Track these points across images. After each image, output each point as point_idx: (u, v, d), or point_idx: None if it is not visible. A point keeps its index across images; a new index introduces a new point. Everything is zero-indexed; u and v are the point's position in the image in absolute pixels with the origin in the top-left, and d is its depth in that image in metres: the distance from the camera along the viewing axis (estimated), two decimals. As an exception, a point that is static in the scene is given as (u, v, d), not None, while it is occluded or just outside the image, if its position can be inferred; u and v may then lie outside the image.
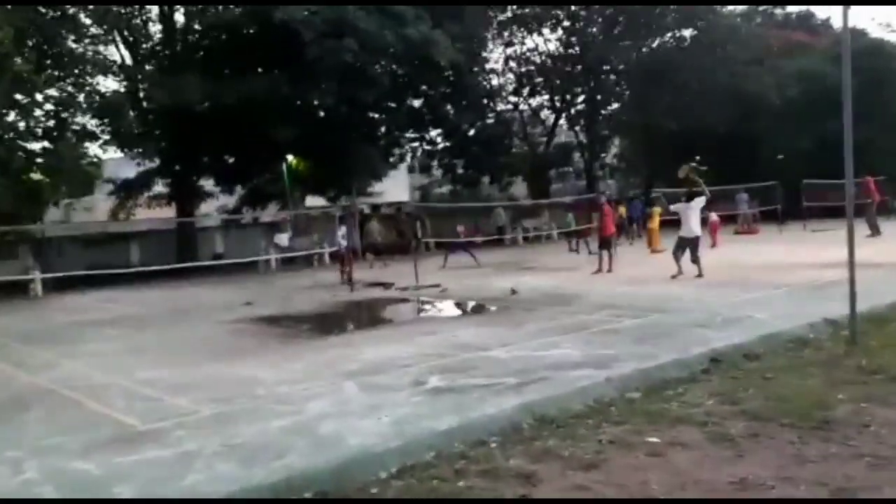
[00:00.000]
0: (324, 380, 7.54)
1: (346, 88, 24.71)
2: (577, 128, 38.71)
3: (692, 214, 14.75)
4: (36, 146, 21.36)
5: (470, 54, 28.84)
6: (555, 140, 39.81)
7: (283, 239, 26.07)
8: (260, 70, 23.59)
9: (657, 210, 21.79)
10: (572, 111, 37.93)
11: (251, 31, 24.45)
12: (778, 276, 13.95)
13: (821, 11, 46.52)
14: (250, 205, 32.39)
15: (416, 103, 31.28)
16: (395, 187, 38.28)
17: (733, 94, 34.19)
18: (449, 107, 30.74)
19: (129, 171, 28.09)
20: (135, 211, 28.93)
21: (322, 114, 26.42)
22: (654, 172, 40.98)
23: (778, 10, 44.66)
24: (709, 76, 33.97)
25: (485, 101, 33.32)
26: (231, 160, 29.68)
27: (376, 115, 29.63)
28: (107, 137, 23.41)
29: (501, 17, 34.68)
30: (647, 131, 38.01)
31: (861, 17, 72.41)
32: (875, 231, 22.34)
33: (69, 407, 7.21)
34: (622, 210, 26.85)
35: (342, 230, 18.89)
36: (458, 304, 13.55)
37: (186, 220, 26.71)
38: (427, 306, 13.78)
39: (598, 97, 37.70)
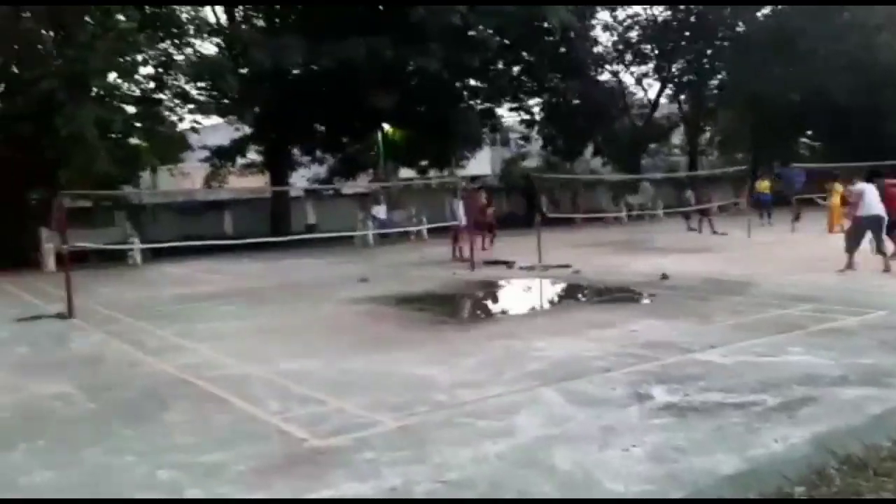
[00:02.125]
0: (512, 384, 6.19)
1: (451, 52, 23.25)
2: (682, 98, 36.26)
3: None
4: (134, 109, 20.57)
5: (579, 17, 26.89)
6: (656, 112, 37.43)
7: (380, 211, 24.95)
8: (361, 33, 22.23)
9: (838, 186, 19.08)
10: (677, 81, 35.48)
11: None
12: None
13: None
14: (341, 175, 31.41)
15: (516, 70, 29.58)
16: (477, 161, 36.63)
17: (861, 63, 31.30)
18: (554, 74, 28.91)
19: (223, 137, 27.35)
20: (227, 179, 28.23)
21: (423, 80, 24.98)
22: (759, 148, 38.37)
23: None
24: (835, 43, 31.13)
25: (591, 68, 31.30)
26: (323, 128, 28.67)
27: (478, 83, 28.08)
28: (205, 101, 22.51)
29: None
30: (756, 104, 35.28)
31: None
32: None
33: (215, 406, 6.06)
34: (765, 184, 24.29)
35: (458, 204, 17.51)
36: (604, 290, 11.98)
37: (281, 188, 25.76)
38: (570, 290, 12.27)
39: (707, 65, 35.16)
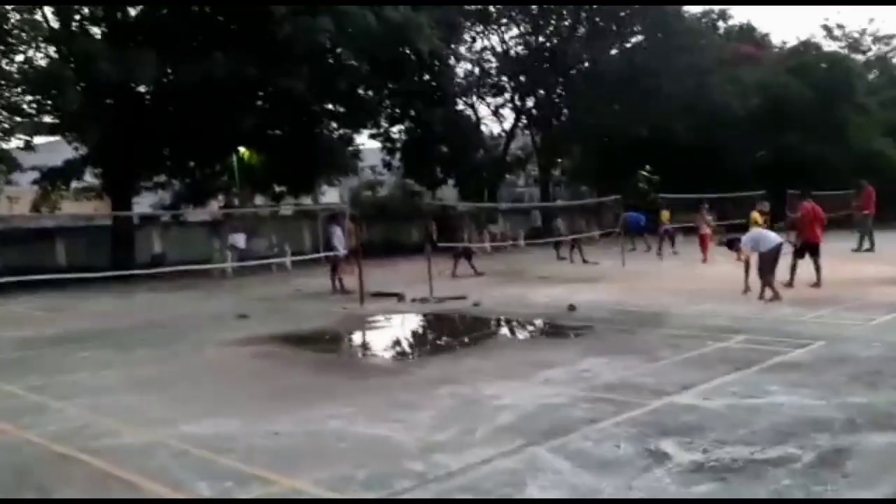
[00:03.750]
0: (492, 444, 5.22)
1: (317, 75, 22.04)
2: (534, 130, 36.94)
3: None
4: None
5: (447, 43, 26.59)
6: (511, 144, 37.87)
7: (239, 240, 23.04)
8: (223, 48, 20.55)
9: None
10: (531, 113, 36.12)
11: (214, 4, 21.42)
12: (863, 292, 12.32)
13: (763, 25, 46.46)
14: (189, 201, 28.98)
15: (379, 96, 28.77)
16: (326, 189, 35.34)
17: (698, 102, 33.28)
18: (417, 101, 28.39)
19: (56, 158, 24.32)
20: (60, 204, 25.15)
21: (285, 101, 23.52)
22: (606, 180, 39.81)
23: (720, 24, 43.95)
24: (676, 82, 32.91)
25: (453, 98, 31.08)
26: (171, 150, 26.32)
27: (340, 108, 26.94)
28: (43, 117, 19.81)
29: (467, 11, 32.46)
30: (604, 138, 36.64)
31: (811, 25, 72.61)
32: (870, 245, 21.13)
33: (119, 492, 4.62)
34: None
35: (337, 231, 16.26)
36: (521, 324, 11.24)
37: (124, 214, 23.21)
38: (482, 325, 11.40)
39: (558, 99, 36.10)
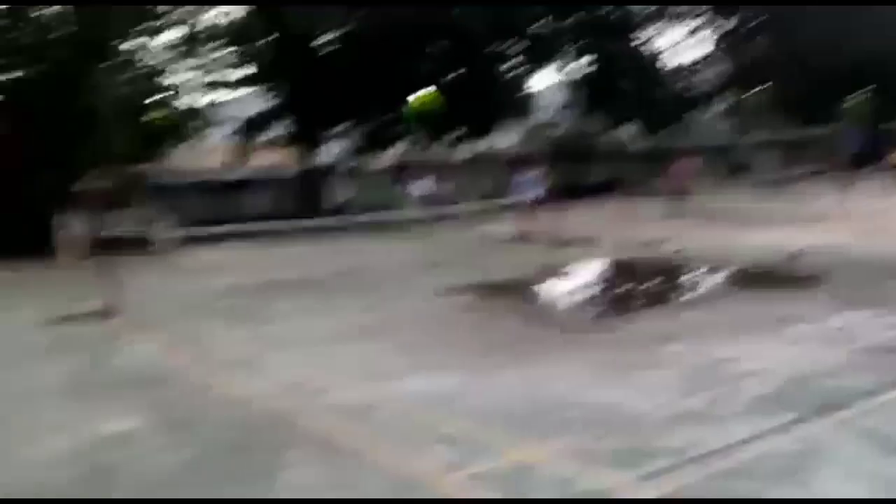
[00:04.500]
0: (753, 417, 4.46)
1: (498, 11, 21.26)
2: (729, 58, 34.06)
3: None
4: (157, 79, 18.74)
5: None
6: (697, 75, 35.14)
7: (423, 187, 23.04)
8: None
9: None
10: (728, 39, 33.27)
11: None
12: None
13: None
14: (370, 148, 29.48)
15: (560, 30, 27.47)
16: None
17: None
18: (601, 34, 26.86)
19: (248, 110, 25.42)
20: (251, 156, 26.34)
21: (464, 42, 22.97)
22: (810, 112, 36.10)
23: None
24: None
25: (642, 26, 29.16)
26: (353, 99, 26.68)
27: (519, 46, 26.01)
28: (234, 70, 20.59)
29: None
30: (811, 62, 32.95)
31: None
32: None
33: (348, 461, 4.35)
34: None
35: (524, 176, 15.63)
36: (739, 272, 10.05)
37: (312, 164, 23.90)
38: (695, 273, 10.38)
39: (755, 21, 32.87)
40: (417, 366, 6.17)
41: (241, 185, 25.49)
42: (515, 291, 9.89)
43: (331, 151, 30.25)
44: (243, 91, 23.77)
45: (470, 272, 11.53)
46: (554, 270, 11.43)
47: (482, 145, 32.02)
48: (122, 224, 18.41)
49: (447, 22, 21.19)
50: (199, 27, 19.18)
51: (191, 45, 19.34)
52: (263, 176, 26.51)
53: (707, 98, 35.45)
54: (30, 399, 6.01)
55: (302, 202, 25.06)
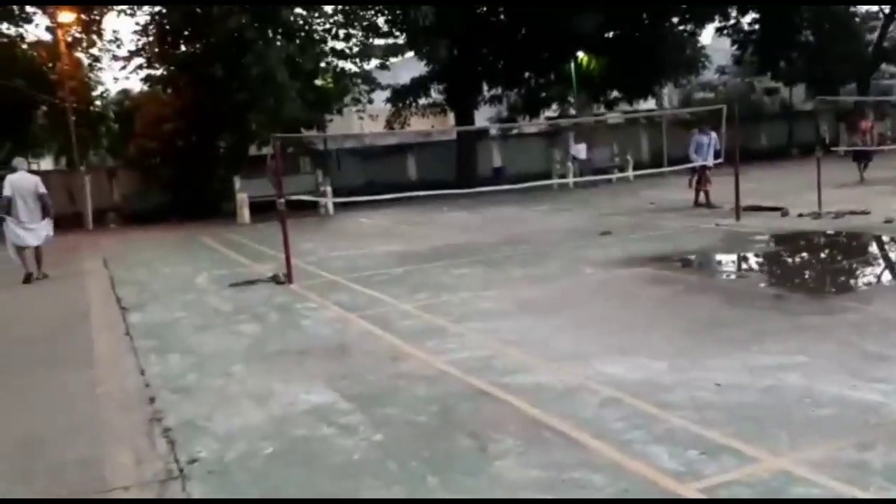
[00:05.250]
0: None
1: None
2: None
3: None
4: (324, 46, 18.99)
5: None
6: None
7: (580, 150, 22.30)
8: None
9: None
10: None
11: None
12: None
13: None
14: (525, 112, 28.87)
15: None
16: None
17: None
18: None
19: (404, 76, 25.49)
20: (409, 121, 26.49)
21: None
22: None
23: None
24: None
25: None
26: (507, 62, 26.09)
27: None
28: (396, 34, 20.55)
29: None
30: None
31: None
32: None
33: (564, 453, 3.94)
34: None
35: (703, 139, 14.56)
36: None
37: (470, 128, 23.66)
38: None
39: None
40: (613, 346, 5.67)
41: (400, 150, 25.77)
42: (702, 264, 9.13)
43: (483, 116, 29.94)
44: (403, 56, 23.79)
45: (645, 241, 10.85)
46: (742, 241, 10.50)
47: (642, 107, 30.62)
48: (293, 187, 19.00)
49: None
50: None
51: (353, 11, 19.42)
52: (421, 140, 26.66)
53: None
54: (224, 365, 6.05)
55: (458, 166, 24.98)
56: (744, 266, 9.04)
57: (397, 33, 20.49)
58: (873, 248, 9.57)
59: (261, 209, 17.76)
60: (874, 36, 30.81)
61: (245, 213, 18.16)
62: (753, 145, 27.52)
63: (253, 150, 20.79)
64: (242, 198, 18.20)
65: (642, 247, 10.34)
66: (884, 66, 32.49)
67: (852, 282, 7.71)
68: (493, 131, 26.40)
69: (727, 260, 9.45)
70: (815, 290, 7.42)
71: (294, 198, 14.15)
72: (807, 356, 5.08)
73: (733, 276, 8.28)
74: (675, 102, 37.71)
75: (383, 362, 5.82)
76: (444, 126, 29.98)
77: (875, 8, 30.83)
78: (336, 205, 19.37)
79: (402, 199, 18.18)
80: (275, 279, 9.67)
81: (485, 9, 23.59)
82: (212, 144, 20.06)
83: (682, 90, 37.42)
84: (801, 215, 12.07)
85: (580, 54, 25.32)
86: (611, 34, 23.75)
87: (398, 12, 19.22)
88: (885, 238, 9.88)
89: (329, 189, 18.99)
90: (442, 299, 7.98)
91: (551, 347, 5.81)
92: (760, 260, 9.39)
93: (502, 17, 23.68)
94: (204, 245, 14.58)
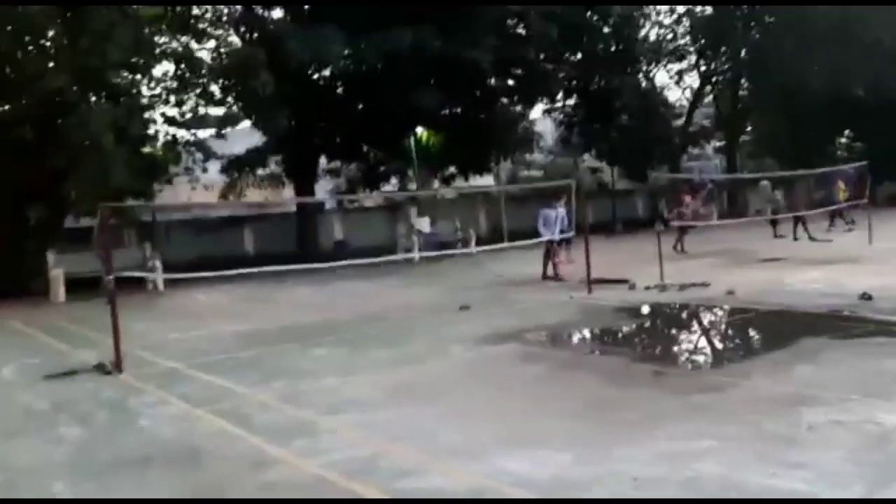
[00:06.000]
0: None
1: (503, 45, 20.63)
2: (720, 97, 33.84)
3: None
4: (153, 112, 17.75)
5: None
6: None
7: (424, 224, 22.20)
8: (406, 22, 19.55)
9: None
10: (719, 77, 33.04)
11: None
12: None
13: None
14: (364, 186, 28.58)
15: (558, 67, 26.97)
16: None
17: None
18: (602, 71, 26.41)
19: (239, 146, 24.40)
20: (246, 192, 25.32)
21: (465, 77, 22.29)
22: (797, 151, 35.90)
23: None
24: (887, 33, 28.79)
25: (641, 65, 28.77)
26: (347, 134, 25.80)
27: (517, 81, 25.44)
28: (232, 103, 19.62)
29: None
30: (798, 102, 32.79)
31: None
32: None
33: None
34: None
35: (550, 214, 14.74)
36: (817, 318, 9.03)
37: (309, 200, 22.89)
38: (767, 320, 9.40)
39: (747, 58, 32.70)
40: (506, 436, 5.17)
41: (236, 222, 24.45)
42: (567, 339, 8.95)
43: (325, 188, 29.33)
44: (238, 126, 22.84)
45: (505, 316, 10.59)
46: (600, 314, 10.50)
47: (476, 182, 31.31)
48: (117, 263, 17.24)
49: (448, 54, 20.41)
50: (195, 60, 18.23)
51: (186, 78, 18.40)
52: (258, 213, 25.52)
53: (703, 134, 35.23)
54: (43, 484, 4.92)
55: (299, 240, 24.09)
56: (609, 340, 8.94)
57: (231, 101, 19.52)
58: (728, 320, 9.84)
59: (79, 286, 15.96)
60: (681, 122, 33.80)
61: (60, 292, 16.23)
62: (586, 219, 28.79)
63: (70, 222, 18.88)
64: (57, 274, 16.29)
65: (504, 322, 10.06)
66: (690, 148, 35.61)
67: (722, 355, 7.74)
68: (329, 204, 25.72)
69: (591, 334, 9.33)
70: (690, 366, 7.36)
71: (124, 274, 12.71)
72: (713, 440, 4.82)
73: (603, 352, 8.10)
74: (503, 179, 39.11)
75: (246, 470, 4.96)
76: (279, 199, 28.94)
77: (681, 95, 33.97)
78: (167, 281, 17.80)
79: (241, 275, 17.09)
80: (101, 368, 8.38)
81: (321, 83, 23.30)
82: (19, 216, 17.94)
83: (509, 168, 38.97)
84: (647, 288, 12.36)
85: (419, 129, 25.55)
86: (448, 111, 24.06)
87: (233, 80, 18.36)
88: (731, 309, 10.21)
89: (159, 263, 17.45)
90: (303, 387, 7.17)
91: (441, 442, 5.21)
92: (625, 334, 9.35)
93: (340, 90, 23.42)
94: (11, 329, 12.70)
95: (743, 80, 33.49)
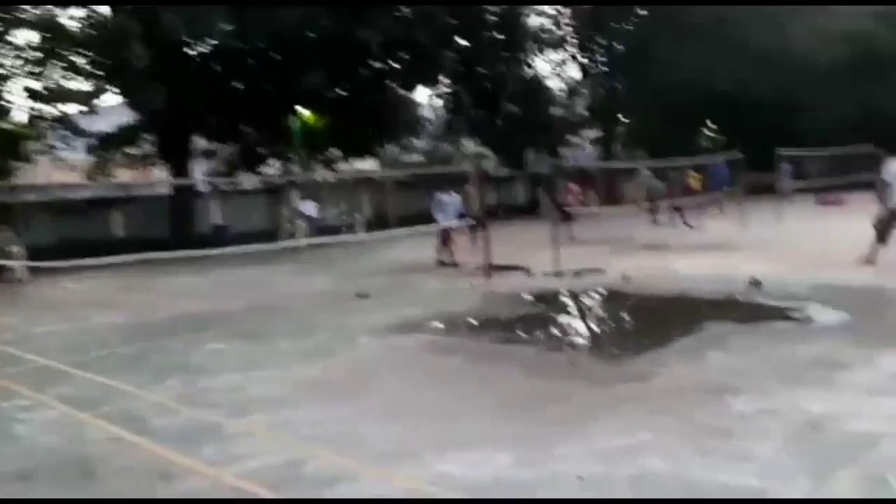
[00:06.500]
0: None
1: (398, 25, 20.20)
2: (597, 88, 34.82)
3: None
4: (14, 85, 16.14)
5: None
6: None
7: (310, 208, 21.48)
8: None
9: None
10: (597, 68, 33.95)
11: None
12: None
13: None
14: (243, 168, 27.39)
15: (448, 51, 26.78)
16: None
17: (775, 53, 30.87)
18: (487, 56, 26.45)
19: (110, 123, 22.73)
20: (115, 173, 23.65)
21: (354, 58, 21.74)
22: (665, 143, 37.60)
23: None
24: (754, 34, 30.53)
25: (527, 54, 29.04)
26: (225, 114, 24.60)
27: (405, 63, 25.04)
28: (98, 79, 18.09)
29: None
30: (670, 96, 34.32)
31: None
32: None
33: None
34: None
35: (444, 199, 14.53)
36: (715, 304, 9.26)
37: (186, 182, 21.67)
38: (670, 306, 9.53)
39: (624, 52, 33.84)
40: (438, 436, 4.90)
41: (104, 204, 22.78)
42: (477, 328, 8.76)
43: (201, 169, 27.86)
44: (108, 101, 21.24)
45: (408, 305, 10.30)
46: (503, 301, 10.40)
47: (359, 166, 30.76)
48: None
49: (336, 32, 19.78)
50: (60, 29, 16.71)
51: (49, 49, 16.84)
52: (128, 194, 23.91)
53: (584, 124, 36.14)
54: None
55: (173, 224, 22.80)
56: (519, 329, 8.81)
57: (101, 75, 18.03)
58: (631, 305, 9.91)
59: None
60: (562, 112, 34.56)
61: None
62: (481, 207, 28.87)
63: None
64: None
65: (408, 311, 9.76)
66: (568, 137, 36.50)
67: (633, 343, 7.75)
68: (204, 187, 24.41)
69: (500, 323, 9.15)
70: (606, 354, 7.30)
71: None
72: (649, 433, 4.73)
73: (516, 341, 7.95)
74: (388, 164, 38.69)
75: (151, 484, 4.43)
76: (147, 179, 27.25)
77: (562, 85, 34.69)
78: (30, 269, 16.34)
79: (114, 262, 15.89)
80: (-39, 369, 7.45)
81: (199, 59, 22.06)
82: None
83: (391, 153, 38.53)
84: (545, 274, 12.39)
85: (303, 111, 24.68)
86: (334, 92, 23.39)
87: (103, 53, 16.91)
88: (631, 295, 10.34)
89: (22, 250, 15.95)
90: (202, 385, 6.61)
91: (368, 443, 4.87)
92: (533, 322, 9.22)
93: (219, 68, 22.26)
94: None
95: (618, 73, 34.54)
